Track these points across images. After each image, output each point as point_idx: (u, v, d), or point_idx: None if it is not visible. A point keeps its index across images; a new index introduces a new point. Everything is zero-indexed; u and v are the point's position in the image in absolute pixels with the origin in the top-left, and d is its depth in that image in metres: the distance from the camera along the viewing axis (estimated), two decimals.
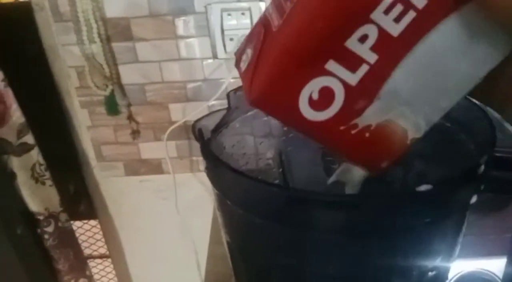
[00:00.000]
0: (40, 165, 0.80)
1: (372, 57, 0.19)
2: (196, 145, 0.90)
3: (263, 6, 0.75)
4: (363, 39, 0.19)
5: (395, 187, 0.31)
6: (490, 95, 0.22)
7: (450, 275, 0.55)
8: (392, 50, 0.19)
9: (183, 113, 0.86)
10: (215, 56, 0.80)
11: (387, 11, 0.18)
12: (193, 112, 0.84)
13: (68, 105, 0.87)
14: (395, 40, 0.19)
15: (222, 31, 0.77)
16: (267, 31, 0.21)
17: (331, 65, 0.19)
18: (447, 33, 0.19)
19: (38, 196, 0.80)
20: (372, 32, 0.19)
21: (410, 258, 0.23)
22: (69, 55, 0.81)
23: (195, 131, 0.27)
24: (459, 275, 0.53)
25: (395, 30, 0.19)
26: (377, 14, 0.18)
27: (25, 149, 0.77)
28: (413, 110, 0.21)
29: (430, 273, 0.25)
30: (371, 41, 0.19)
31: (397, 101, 0.21)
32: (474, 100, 0.28)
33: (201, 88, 0.84)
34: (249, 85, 0.21)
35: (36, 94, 0.83)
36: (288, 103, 0.20)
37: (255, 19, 0.76)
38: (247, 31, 0.82)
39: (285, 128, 0.35)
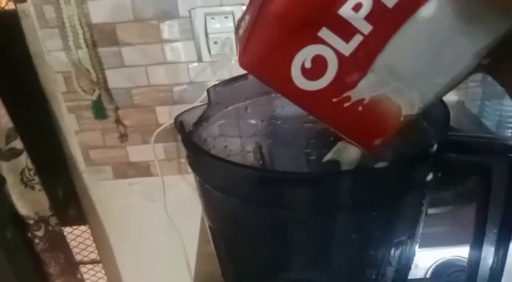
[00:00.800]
0: (29, 169, 0.81)
1: (366, 28, 0.19)
2: (184, 147, 0.91)
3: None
4: (357, 7, 0.19)
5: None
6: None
7: (428, 263, 0.57)
8: (386, 21, 0.19)
9: (170, 115, 0.88)
10: (200, 59, 0.82)
11: None
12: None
13: (56, 110, 0.89)
14: (389, 11, 0.19)
15: (206, 34, 0.79)
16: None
17: (324, 32, 0.19)
18: (441, 7, 0.19)
19: (27, 200, 0.81)
20: (366, 1, 0.19)
21: (373, 234, 0.25)
22: (55, 60, 0.82)
23: (177, 124, 0.29)
24: (438, 262, 0.55)
25: (390, 0, 0.19)
26: None
27: (13, 153, 0.78)
28: (407, 86, 0.21)
29: (394, 251, 0.27)
30: (365, 10, 0.19)
31: (391, 75, 0.21)
32: None
33: (187, 91, 0.85)
34: (243, 50, 0.21)
35: (24, 100, 0.84)
36: (281, 70, 0.20)
37: None
38: (231, 34, 0.83)
39: (265, 122, 0.37)
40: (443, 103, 0.27)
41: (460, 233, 0.56)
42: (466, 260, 0.56)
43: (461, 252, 0.55)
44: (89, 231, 1.07)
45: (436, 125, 0.28)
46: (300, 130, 0.38)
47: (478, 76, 0.84)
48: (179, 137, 0.89)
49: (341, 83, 0.21)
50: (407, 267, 0.30)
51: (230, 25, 0.78)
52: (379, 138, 0.23)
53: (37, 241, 0.84)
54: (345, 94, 0.21)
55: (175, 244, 1.00)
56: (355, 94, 0.21)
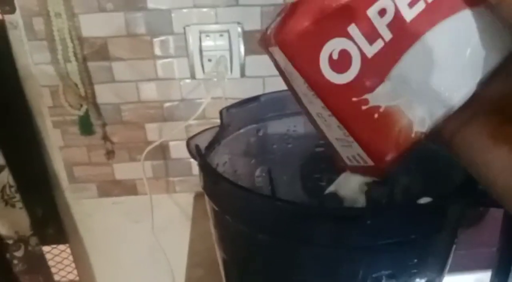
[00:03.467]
0: (10, 186, 0.77)
1: (387, 35, 0.21)
2: (173, 165, 0.89)
3: (239, 28, 0.77)
4: (382, 13, 0.21)
5: (383, 202, 0.31)
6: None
7: None
8: (404, 33, 0.21)
9: (160, 133, 0.85)
10: (193, 77, 0.81)
11: None
12: (170, 132, 0.84)
13: (40, 125, 0.85)
14: (407, 25, 0.21)
15: (201, 52, 0.77)
16: None
17: (353, 29, 0.21)
18: (451, 30, 0.21)
19: (7, 219, 0.77)
20: (389, 8, 0.21)
21: (407, 270, 0.23)
22: (42, 74, 0.79)
23: (191, 148, 0.27)
24: None
25: (408, 14, 0.21)
26: None
27: None
28: (420, 101, 0.22)
29: None
30: (388, 18, 0.21)
31: (405, 87, 0.22)
32: None
33: (178, 108, 0.84)
34: (279, 29, 0.22)
35: (7, 114, 0.81)
36: (310, 53, 0.21)
37: (233, 40, 0.77)
38: (226, 52, 0.83)
39: (276, 146, 0.36)
40: None
41: (455, 260, 0.56)
42: None
43: (458, 280, 0.54)
44: (68, 250, 1.02)
45: None
46: (311, 155, 0.37)
47: None
48: (168, 155, 0.87)
49: (362, 84, 0.22)
50: None
51: (225, 43, 0.77)
52: (391, 152, 0.23)
53: (15, 262, 0.80)
54: (364, 97, 0.22)
55: (161, 267, 0.97)
56: (372, 99, 0.22)
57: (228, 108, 0.32)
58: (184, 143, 0.89)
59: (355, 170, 0.25)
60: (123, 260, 1.00)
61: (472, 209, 0.23)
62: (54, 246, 1.01)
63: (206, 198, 0.27)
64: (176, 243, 0.87)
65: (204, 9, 0.76)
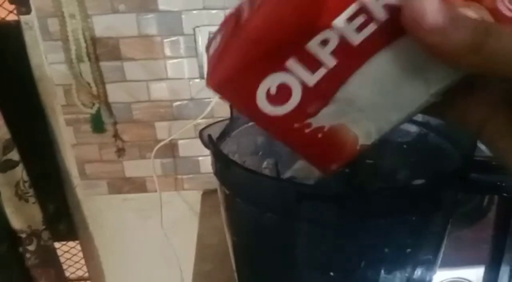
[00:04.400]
0: (24, 182, 0.79)
1: (331, 62, 0.20)
2: (181, 163, 0.91)
3: None
4: (324, 43, 0.20)
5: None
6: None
7: None
8: (350, 57, 0.20)
9: (169, 131, 0.88)
10: (202, 76, 0.83)
11: (350, 20, 0.19)
12: (179, 130, 0.86)
13: (53, 123, 0.88)
14: (353, 48, 0.20)
15: None
16: (237, 21, 0.21)
17: (291, 63, 0.20)
18: (402, 50, 0.20)
19: (21, 213, 0.79)
20: (333, 38, 0.20)
21: (405, 250, 0.25)
22: (56, 73, 0.82)
23: (203, 138, 0.29)
24: None
25: (355, 39, 0.20)
26: (340, 22, 0.19)
27: (10, 165, 0.77)
28: (365, 118, 0.22)
29: (419, 268, 0.27)
30: (331, 46, 0.20)
31: (351, 107, 0.22)
32: None
33: (187, 107, 0.86)
34: (212, 71, 0.22)
35: (22, 111, 0.83)
36: (246, 93, 0.21)
37: None
38: None
39: None
40: None
41: (461, 254, 0.57)
42: (467, 281, 0.56)
43: (463, 274, 0.56)
44: (78, 247, 1.05)
45: (459, 146, 0.29)
46: None
47: None
48: (177, 153, 0.89)
49: (304, 111, 0.21)
50: None
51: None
52: (335, 164, 0.23)
53: (28, 255, 0.82)
54: (306, 121, 0.22)
55: (169, 262, 0.99)
56: (316, 121, 0.22)
57: None
58: (192, 141, 0.92)
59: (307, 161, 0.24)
60: (133, 256, 1.02)
61: (464, 194, 0.25)
62: (64, 242, 1.04)
63: (218, 183, 0.28)
64: (185, 238, 0.89)
65: (214, 11, 0.78)
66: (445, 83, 0.21)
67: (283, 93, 0.21)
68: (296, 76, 0.20)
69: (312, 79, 0.21)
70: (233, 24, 0.22)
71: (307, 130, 0.22)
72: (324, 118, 0.22)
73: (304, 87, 0.21)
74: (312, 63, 0.20)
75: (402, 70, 0.21)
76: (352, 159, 0.23)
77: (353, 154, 0.23)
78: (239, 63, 0.20)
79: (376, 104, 0.22)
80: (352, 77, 0.21)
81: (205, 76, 0.23)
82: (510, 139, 0.19)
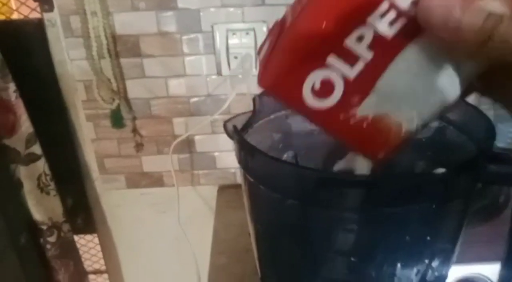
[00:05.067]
0: (46, 175, 0.82)
1: (368, 54, 0.22)
2: (198, 159, 0.93)
3: (265, 27, 0.80)
4: (360, 39, 0.22)
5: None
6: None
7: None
8: (385, 49, 0.22)
9: (186, 127, 0.89)
10: (219, 73, 0.84)
11: (382, 16, 0.21)
12: (196, 126, 0.87)
13: (74, 118, 0.90)
14: (388, 41, 0.22)
15: (227, 49, 0.81)
16: (282, 27, 0.24)
17: (332, 60, 0.22)
18: (431, 39, 0.22)
19: (42, 206, 0.82)
20: (368, 33, 0.22)
21: (424, 238, 0.26)
22: (77, 69, 0.84)
23: (228, 129, 0.30)
24: (456, 280, 0.56)
25: (389, 32, 0.22)
26: (374, 18, 0.21)
27: (32, 158, 0.79)
28: (405, 105, 0.23)
29: (437, 258, 0.28)
30: (367, 40, 0.22)
31: (391, 95, 0.23)
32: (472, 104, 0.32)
33: (204, 103, 0.87)
34: (262, 73, 0.24)
35: (44, 106, 0.86)
36: (293, 91, 0.23)
37: (259, 39, 0.80)
38: (251, 50, 0.87)
39: (301, 133, 0.38)
40: (486, 118, 0.28)
41: (478, 250, 0.57)
42: (484, 277, 0.57)
43: (480, 270, 0.56)
44: (95, 240, 1.07)
45: (477, 138, 0.30)
46: (335, 142, 0.40)
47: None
48: (193, 149, 0.91)
49: (347, 103, 0.23)
50: (445, 278, 0.31)
51: (251, 41, 0.80)
52: (383, 152, 0.25)
53: (48, 246, 0.85)
54: (351, 112, 0.23)
55: (185, 256, 1.00)
56: (360, 112, 0.23)
57: (260, 95, 0.35)
58: (209, 137, 0.93)
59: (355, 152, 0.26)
60: (149, 249, 1.04)
61: (482, 184, 0.25)
62: (82, 235, 1.06)
63: (242, 172, 0.30)
64: (201, 233, 0.90)
65: (231, 9, 0.80)
66: (475, 66, 0.22)
67: (326, 87, 0.23)
68: (337, 71, 0.22)
69: (352, 72, 0.22)
70: (279, 29, 0.24)
71: (352, 121, 0.23)
72: (367, 109, 0.23)
73: (346, 80, 0.22)
74: (351, 58, 0.22)
75: (433, 57, 0.22)
76: (399, 146, 0.24)
77: (399, 141, 0.24)
78: (285, 64, 0.23)
79: (414, 91, 0.23)
80: (389, 67, 0.22)
81: (257, 75, 0.25)
82: None
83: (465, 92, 0.24)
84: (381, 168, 0.26)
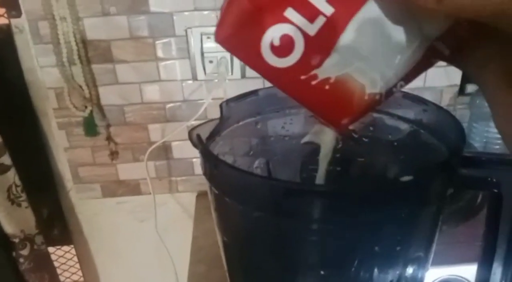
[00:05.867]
0: (17, 186, 0.79)
1: (328, 9, 0.21)
2: (175, 165, 0.91)
3: None
4: None
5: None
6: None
7: None
8: (346, 4, 0.21)
9: (162, 133, 0.87)
10: (194, 78, 0.83)
11: None
12: (172, 132, 0.85)
13: (45, 127, 0.87)
14: None
15: (202, 53, 0.79)
16: None
17: (290, 13, 0.21)
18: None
19: (13, 218, 0.79)
20: None
21: (394, 248, 0.25)
22: (48, 76, 0.81)
23: (192, 137, 0.29)
24: None
25: None
26: None
27: (1, 169, 0.76)
28: (369, 66, 0.23)
29: (410, 266, 0.27)
30: None
31: (352, 55, 0.22)
32: (445, 108, 0.31)
33: (180, 109, 0.85)
34: (218, 27, 0.23)
35: (14, 115, 0.83)
36: (251, 46, 0.22)
37: None
38: (227, 54, 0.85)
39: (273, 138, 0.37)
40: (456, 121, 0.28)
41: (455, 251, 0.57)
42: (462, 279, 0.56)
43: (458, 271, 0.56)
44: (72, 251, 1.04)
45: (447, 142, 0.29)
46: (307, 147, 0.39)
47: (466, 99, 0.87)
48: (170, 155, 0.89)
49: (308, 62, 0.22)
50: None
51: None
52: (347, 117, 0.24)
53: (21, 260, 0.82)
54: (312, 73, 0.23)
55: (164, 264, 0.98)
56: (321, 73, 0.23)
57: (227, 101, 0.34)
58: (186, 143, 0.91)
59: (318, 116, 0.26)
60: (128, 259, 1.02)
61: (453, 189, 0.25)
62: (59, 246, 1.03)
63: (207, 183, 0.28)
64: (179, 240, 0.88)
65: (205, 12, 0.78)
66: (435, 25, 0.22)
67: (286, 44, 0.22)
68: (296, 26, 0.21)
69: (312, 28, 0.21)
70: None
71: (313, 82, 0.23)
72: (329, 69, 0.23)
73: (306, 37, 0.22)
74: (310, 12, 0.21)
75: (394, 14, 0.22)
76: (363, 111, 0.24)
77: (363, 105, 0.23)
78: (240, 17, 0.22)
79: (376, 50, 0.22)
80: (350, 24, 0.22)
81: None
82: (497, 88, 0.20)
83: (432, 58, 0.23)
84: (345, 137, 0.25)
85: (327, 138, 0.26)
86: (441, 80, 0.85)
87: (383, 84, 0.23)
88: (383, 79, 0.23)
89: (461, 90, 0.87)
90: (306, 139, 0.27)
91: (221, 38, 0.23)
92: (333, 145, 0.26)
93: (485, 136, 0.82)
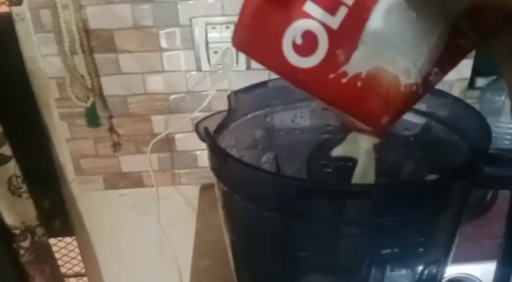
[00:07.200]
0: (17, 177, 0.78)
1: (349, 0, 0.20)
2: (178, 158, 0.90)
3: None
4: None
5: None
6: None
7: None
8: None
9: (166, 125, 0.86)
10: (199, 69, 0.81)
11: None
12: (175, 124, 0.84)
13: (47, 117, 0.86)
14: None
15: (207, 44, 0.78)
16: None
17: (310, 6, 0.20)
18: None
19: (14, 209, 0.78)
20: None
21: (415, 247, 0.23)
22: (49, 66, 0.80)
23: (200, 131, 0.27)
24: (444, 280, 0.54)
25: None
26: None
27: (1, 160, 0.75)
28: (398, 54, 0.21)
29: (431, 266, 0.26)
30: None
31: (380, 44, 0.21)
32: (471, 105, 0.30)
33: (184, 100, 0.84)
34: (235, 32, 0.21)
35: (15, 105, 0.82)
36: (272, 47, 0.20)
37: None
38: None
39: (282, 132, 0.36)
40: (480, 117, 0.26)
41: (463, 250, 0.56)
42: (472, 277, 0.55)
43: (467, 270, 0.54)
44: (74, 243, 1.03)
45: (469, 138, 0.27)
46: (317, 142, 0.37)
47: (476, 93, 0.85)
48: (174, 147, 0.88)
49: (335, 58, 0.21)
50: None
51: (231, 35, 0.77)
52: (386, 115, 0.22)
53: (22, 252, 0.81)
54: (341, 70, 0.21)
55: (167, 258, 0.97)
56: (351, 68, 0.21)
57: (236, 93, 0.32)
58: (190, 135, 0.90)
59: (361, 130, 0.24)
60: (130, 251, 1.01)
61: (476, 188, 0.23)
62: (60, 238, 1.02)
63: (215, 179, 0.27)
64: (182, 234, 0.87)
65: (210, 1, 0.76)
66: (456, 5, 0.20)
67: (309, 41, 0.20)
68: (317, 20, 0.20)
69: (335, 21, 0.20)
70: None
71: (344, 80, 0.21)
72: (359, 64, 0.21)
73: (329, 31, 0.20)
74: (331, 3, 0.20)
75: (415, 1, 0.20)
76: (402, 106, 0.22)
77: (400, 97, 0.22)
78: (256, 17, 0.20)
79: (403, 35, 0.21)
80: (373, 12, 0.20)
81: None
82: None
83: (460, 41, 0.22)
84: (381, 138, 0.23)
85: (364, 147, 0.23)
86: (450, 73, 0.82)
87: (417, 72, 0.22)
88: (415, 66, 0.21)
89: (471, 84, 0.85)
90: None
91: (238, 42, 0.21)
92: (372, 156, 0.23)
93: (494, 131, 0.81)
